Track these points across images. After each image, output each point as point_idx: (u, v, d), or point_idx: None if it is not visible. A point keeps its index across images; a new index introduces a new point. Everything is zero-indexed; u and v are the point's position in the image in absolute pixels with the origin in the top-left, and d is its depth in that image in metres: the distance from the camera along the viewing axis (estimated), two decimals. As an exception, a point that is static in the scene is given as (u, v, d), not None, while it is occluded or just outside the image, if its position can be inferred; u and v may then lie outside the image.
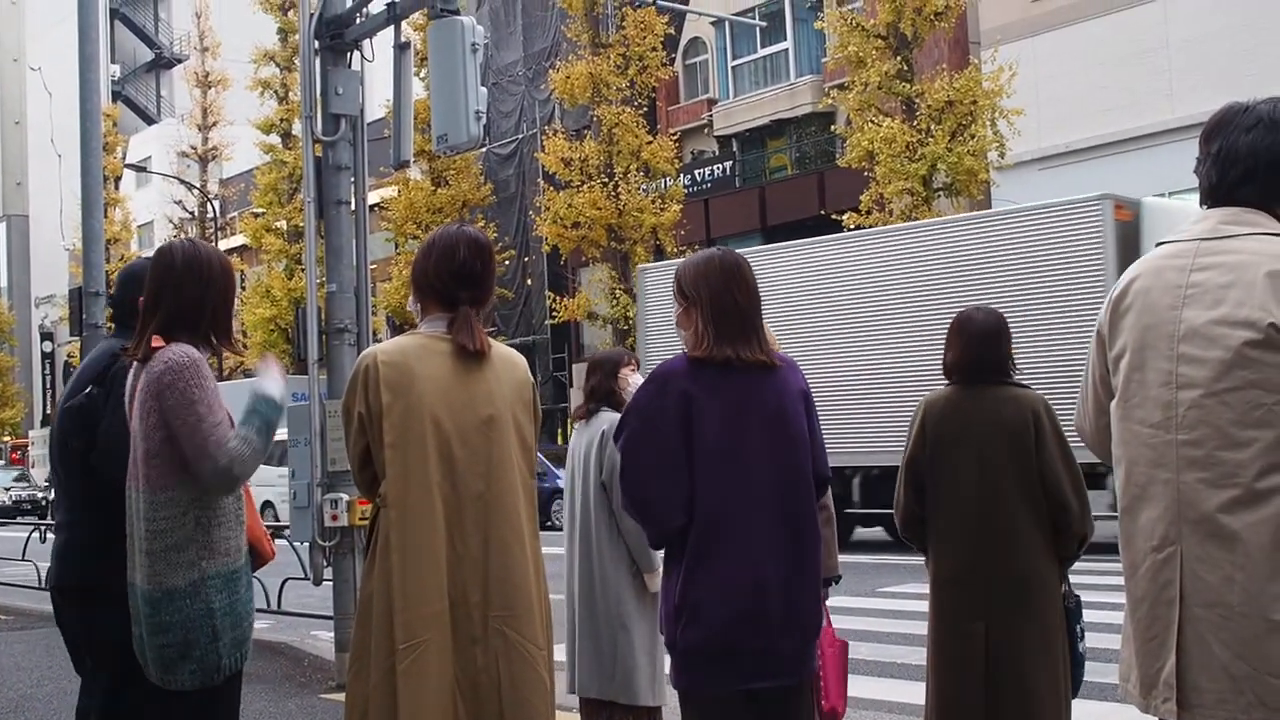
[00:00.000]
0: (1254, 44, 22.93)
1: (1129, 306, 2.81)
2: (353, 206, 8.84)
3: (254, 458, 3.54)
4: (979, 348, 4.61)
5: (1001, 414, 4.51)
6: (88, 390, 4.03)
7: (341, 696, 7.73)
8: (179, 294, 3.68)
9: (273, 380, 3.71)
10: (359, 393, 3.53)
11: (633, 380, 5.62)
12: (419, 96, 23.72)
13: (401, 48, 8.58)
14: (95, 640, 4.02)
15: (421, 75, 19.91)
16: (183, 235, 42.36)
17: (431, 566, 3.46)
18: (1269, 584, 2.55)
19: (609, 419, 5.47)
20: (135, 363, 3.69)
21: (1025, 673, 4.41)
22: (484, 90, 8.01)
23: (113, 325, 4.35)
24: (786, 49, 31.76)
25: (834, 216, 24.62)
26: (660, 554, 5.32)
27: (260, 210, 36.75)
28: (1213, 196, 2.81)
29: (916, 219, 23.22)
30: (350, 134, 8.77)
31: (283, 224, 35.77)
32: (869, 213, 23.55)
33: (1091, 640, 4.73)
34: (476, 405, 3.55)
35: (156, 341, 3.61)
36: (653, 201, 27.93)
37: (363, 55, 8.79)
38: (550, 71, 30.34)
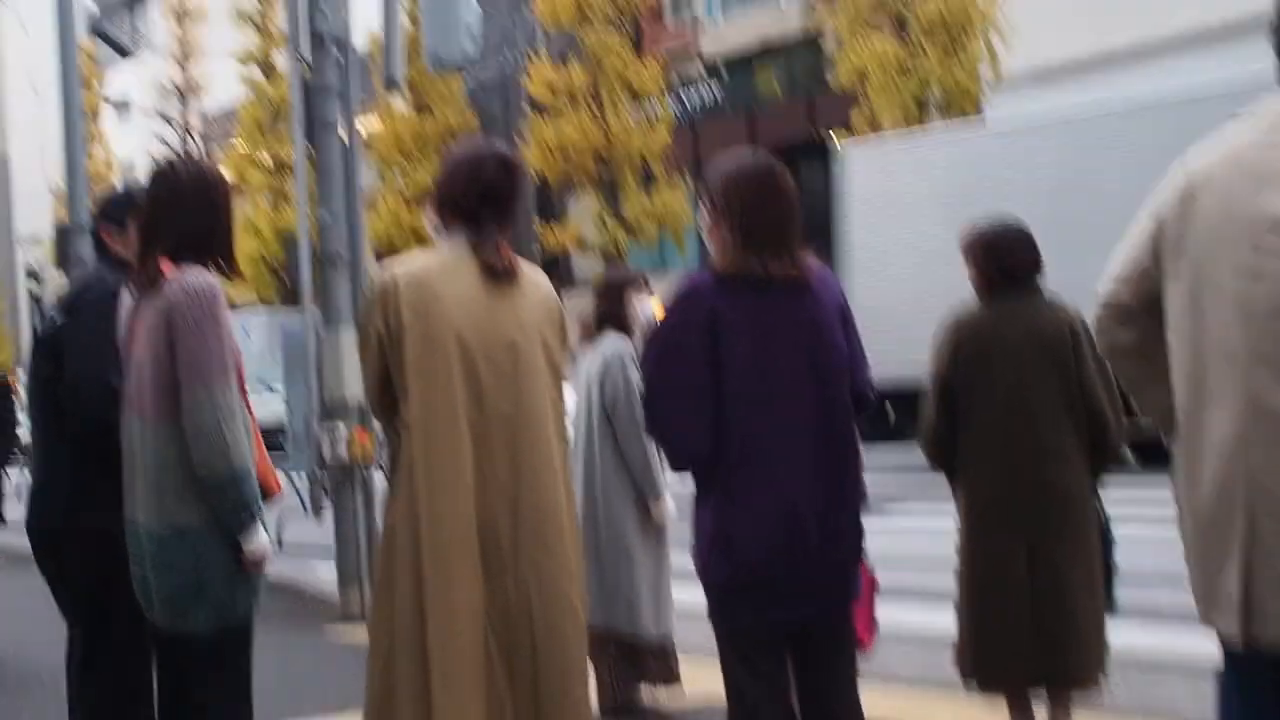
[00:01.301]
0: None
1: (1201, 190, 2.56)
2: (341, 130, 8.59)
3: (217, 436, 3.25)
4: (1008, 258, 4.44)
5: (1038, 327, 4.36)
6: (58, 322, 3.84)
7: (347, 628, 7.66)
8: (186, 216, 3.46)
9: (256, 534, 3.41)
10: (378, 312, 3.34)
11: (640, 304, 5.46)
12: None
13: (389, -36, 8.29)
14: (71, 585, 3.84)
15: None
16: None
17: (458, 492, 3.28)
18: None
19: (614, 343, 5.32)
20: (136, 287, 3.47)
21: (1068, 589, 4.29)
22: (476, 5, 7.75)
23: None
24: (774, -32, 31.21)
25: (825, 138, 24.30)
26: (664, 480, 5.25)
27: (242, 144, 36.30)
28: None
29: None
30: (338, 56, 8.52)
31: (266, 157, 35.34)
32: (862, 134, 23.25)
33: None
34: (503, 326, 3.38)
35: (166, 267, 3.39)
36: (640, 127, 27.55)
37: (348, -27, 8.51)
38: (534, -4, 29.85)
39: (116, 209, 4.05)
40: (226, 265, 3.54)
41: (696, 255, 31.37)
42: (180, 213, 3.45)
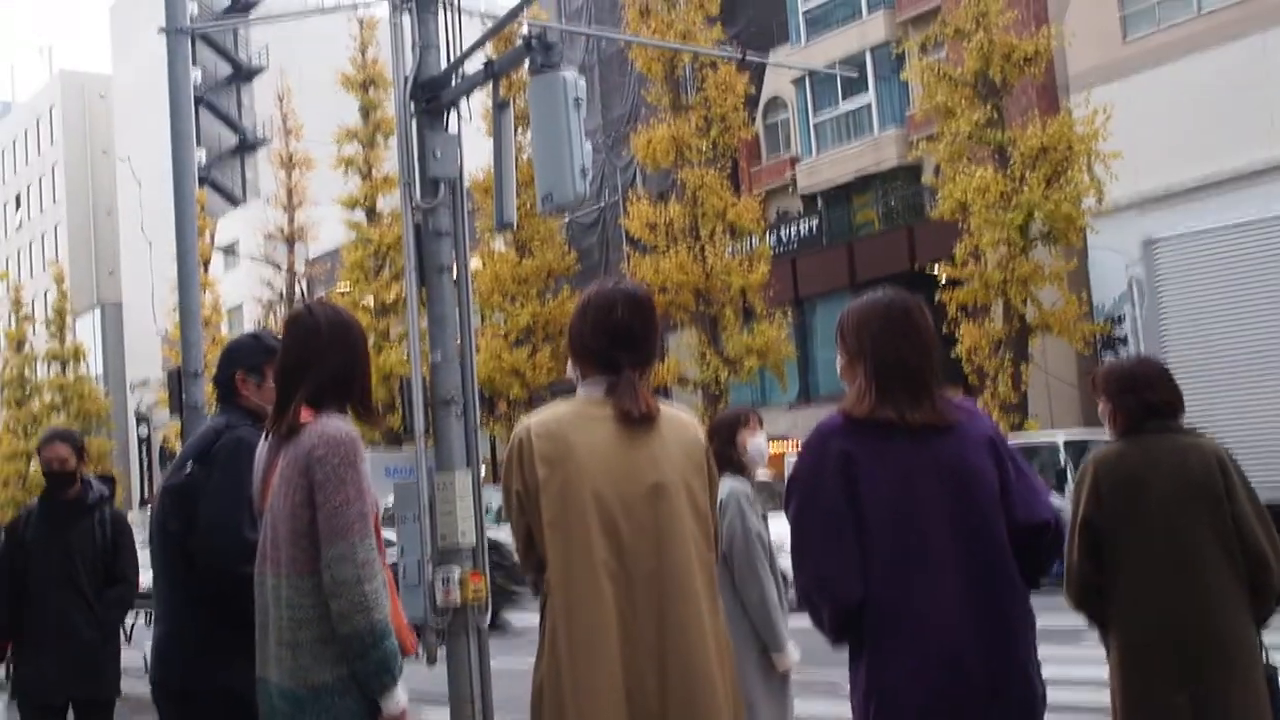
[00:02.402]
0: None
1: None
2: (454, 274, 8.60)
3: (359, 592, 3.12)
4: (1149, 394, 4.24)
5: (1186, 464, 4.12)
6: (187, 469, 3.75)
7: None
8: (325, 361, 3.37)
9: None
10: (514, 469, 3.22)
11: (752, 443, 5.31)
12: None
13: (500, 107, 8.34)
14: None
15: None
16: (273, 316, 42.80)
17: (603, 655, 3.10)
18: None
19: (729, 484, 5.16)
20: (274, 437, 3.37)
21: None
22: (589, 146, 7.75)
23: (215, 403, 4.08)
24: (869, 103, 31.42)
25: (928, 270, 24.16)
26: (786, 627, 5.04)
27: (346, 288, 36.98)
28: None
29: (1014, 270, 22.76)
30: (449, 198, 8.56)
31: (369, 300, 35.95)
32: (964, 264, 23.09)
33: None
34: (641, 474, 3.20)
35: (305, 414, 3.30)
36: (740, 263, 27.62)
37: (459, 116, 8.58)
38: (631, 136, 30.28)
39: (255, 357, 4.00)
40: (365, 410, 3.44)
41: (797, 390, 31.23)
42: (320, 358, 3.37)
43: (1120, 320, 26.04)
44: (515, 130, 9.22)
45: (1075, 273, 24.58)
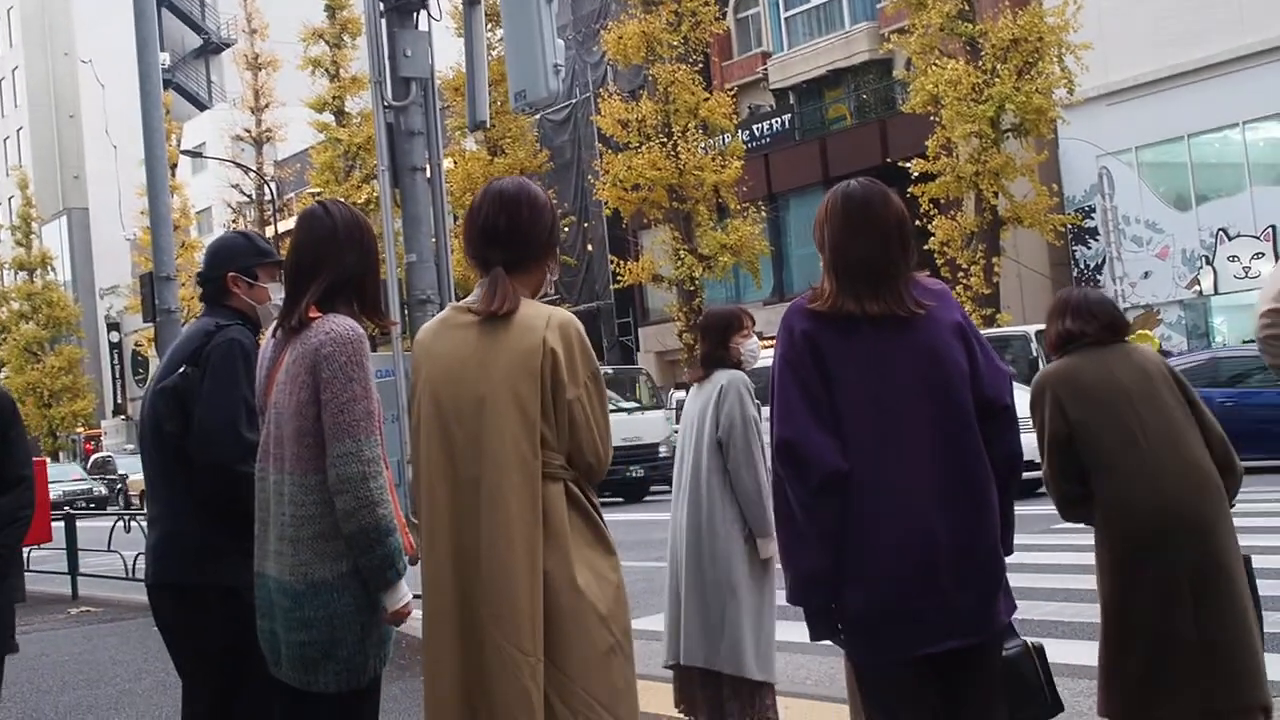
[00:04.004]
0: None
1: None
2: (428, 172, 8.58)
3: (365, 490, 3.15)
4: (1104, 313, 4.38)
5: (1137, 362, 4.29)
6: (182, 370, 3.77)
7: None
8: (340, 260, 3.35)
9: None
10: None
11: (745, 347, 5.34)
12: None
13: (471, 3, 8.28)
14: (202, 642, 3.76)
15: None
16: (242, 219, 42.47)
17: (441, 559, 3.21)
18: None
19: (726, 375, 5.21)
20: (280, 334, 3.38)
21: (1240, 614, 4.14)
22: (561, 43, 7.71)
23: (201, 304, 4.08)
24: (840, -4, 31.18)
25: (900, 164, 24.14)
26: (771, 517, 5.10)
27: (318, 190, 36.71)
28: None
29: (985, 162, 22.79)
30: (421, 98, 8.52)
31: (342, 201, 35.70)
32: (936, 158, 23.08)
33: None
34: (473, 382, 3.22)
35: (314, 312, 3.30)
36: (713, 159, 27.54)
37: (429, 14, 8.50)
38: (602, 33, 29.98)
39: (248, 258, 3.98)
40: (375, 312, 3.44)
41: (771, 286, 31.30)
42: (335, 256, 3.36)
43: (1091, 211, 26.16)
44: (485, 28, 9.12)
45: (1046, 165, 24.63)
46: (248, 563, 3.40)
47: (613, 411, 8.98)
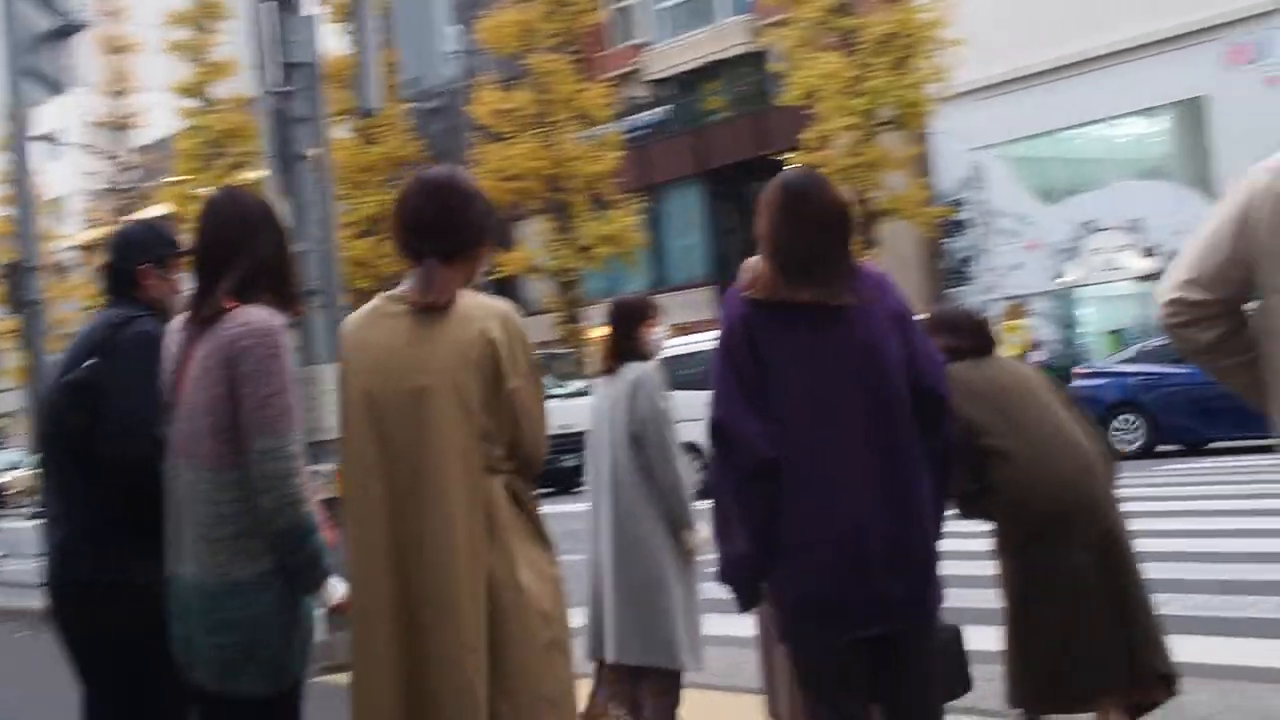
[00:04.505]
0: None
1: None
2: (314, 161, 8.33)
3: (289, 486, 3.04)
4: (974, 328, 4.64)
5: (1017, 369, 4.63)
6: (90, 363, 3.59)
7: (333, 678, 7.38)
8: (256, 248, 3.23)
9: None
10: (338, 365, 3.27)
11: (654, 336, 5.30)
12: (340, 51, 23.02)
13: (362, -13, 8.05)
14: (109, 643, 3.58)
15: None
16: (101, 207, 41.32)
17: (375, 554, 3.11)
18: None
19: (637, 369, 5.17)
20: (190, 326, 3.23)
21: (1142, 591, 4.37)
22: (453, 29, 7.53)
23: (107, 295, 3.89)
24: (715, -11, 31.30)
25: (777, 156, 24.28)
26: (694, 507, 5.08)
27: (182, 177, 35.82)
28: None
29: (862, 155, 23.04)
30: (306, 84, 8.26)
31: (206, 190, 34.89)
32: (815, 150, 23.27)
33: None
34: (410, 374, 3.14)
35: (229, 302, 3.16)
36: (590, 150, 27.46)
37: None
38: (476, 21, 29.67)
39: (160, 248, 3.83)
40: (291, 301, 3.31)
41: (649, 277, 31.32)
42: (250, 244, 3.23)
43: (962, 204, 26.60)
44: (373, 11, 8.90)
45: (920, 158, 25.00)
46: (159, 561, 3.25)
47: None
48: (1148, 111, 24.64)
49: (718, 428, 3.29)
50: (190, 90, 35.08)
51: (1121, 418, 16.33)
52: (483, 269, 3.35)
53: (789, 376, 3.25)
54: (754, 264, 3.44)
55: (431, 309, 3.15)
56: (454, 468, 3.10)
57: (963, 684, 4.12)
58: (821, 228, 3.32)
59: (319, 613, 3.26)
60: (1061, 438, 4.38)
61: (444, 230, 3.21)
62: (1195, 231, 2.69)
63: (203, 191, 34.21)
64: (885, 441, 3.25)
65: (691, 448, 6.95)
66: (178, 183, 36.17)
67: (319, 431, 7.95)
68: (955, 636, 3.95)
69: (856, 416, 3.24)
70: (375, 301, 3.30)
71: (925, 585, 3.32)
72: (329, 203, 8.38)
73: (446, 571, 3.08)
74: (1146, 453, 15.65)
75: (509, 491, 3.19)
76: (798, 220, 3.31)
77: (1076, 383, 17.19)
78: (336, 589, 3.17)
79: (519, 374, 3.17)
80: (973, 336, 4.57)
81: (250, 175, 31.24)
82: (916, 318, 3.47)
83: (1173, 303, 2.69)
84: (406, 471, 3.12)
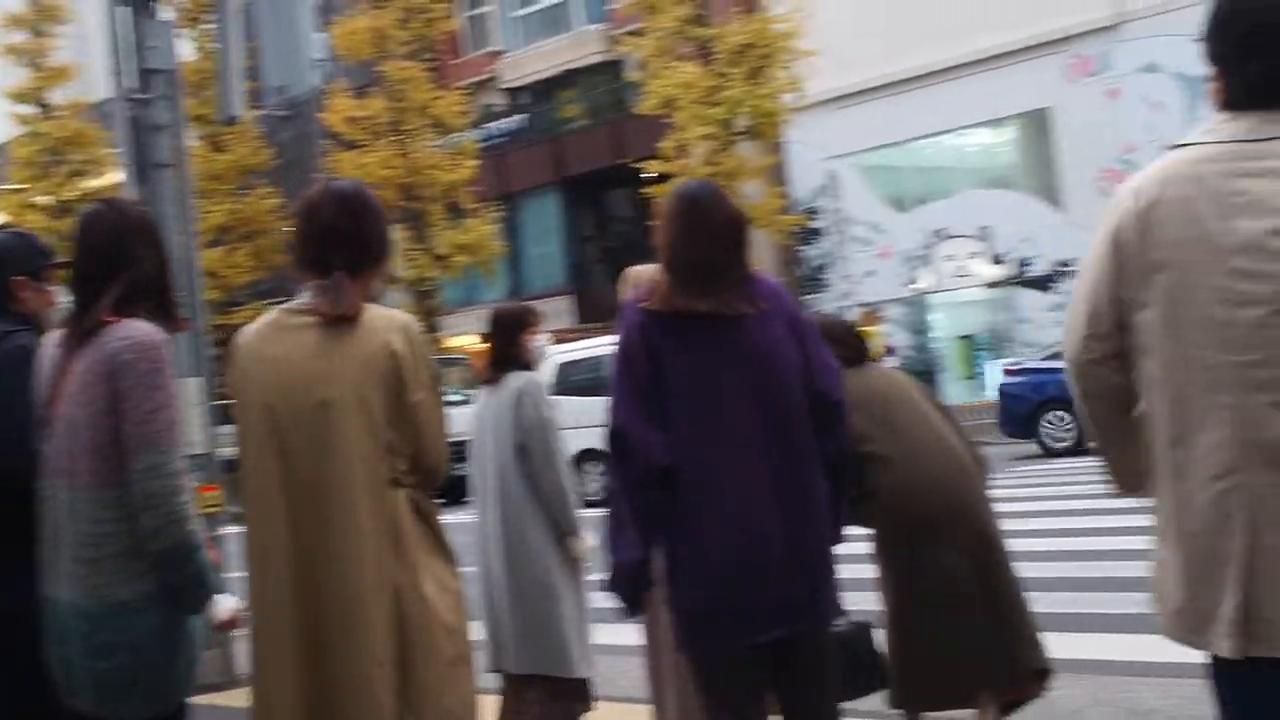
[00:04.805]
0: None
1: (1165, 215, 2.47)
2: (174, 170, 8.09)
3: (173, 504, 2.94)
4: (849, 338, 4.75)
5: (892, 376, 4.80)
6: None
7: (215, 698, 7.19)
8: (137, 261, 3.13)
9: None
10: (229, 376, 3.21)
11: (535, 344, 5.29)
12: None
13: (225, -8, 7.85)
14: None
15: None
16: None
17: (278, 571, 3.06)
18: None
19: (522, 378, 5.15)
20: (68, 340, 3.12)
21: (1016, 590, 4.48)
22: (320, 37, 7.37)
23: None
24: (570, -3, 31.33)
25: (635, 165, 24.39)
26: (580, 514, 5.07)
27: (21, 185, 34.62)
28: (1245, 100, 2.49)
29: (719, 164, 23.24)
30: (165, 91, 8.03)
31: (46, 199, 33.74)
32: (672, 159, 23.41)
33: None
34: (313, 387, 3.09)
35: (109, 316, 3.06)
36: (446, 158, 27.26)
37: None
38: (329, 27, 29.25)
39: (34, 260, 3.67)
40: (171, 315, 3.20)
41: (507, 286, 31.19)
42: (130, 257, 3.13)
43: (817, 213, 27.00)
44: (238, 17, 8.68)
45: (776, 167, 25.32)
46: (33, 584, 3.12)
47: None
48: (995, 122, 25.35)
49: (615, 436, 3.31)
50: (26, 96, 33.93)
51: (1053, 414, 16.79)
52: (378, 284, 3.30)
53: (686, 385, 3.27)
54: (638, 273, 3.46)
55: (342, 320, 3.10)
56: (359, 481, 3.06)
57: (877, 680, 4.22)
58: (717, 238, 3.35)
59: (204, 632, 3.18)
60: (936, 443, 4.49)
61: (355, 243, 3.18)
62: (1079, 272, 2.69)
63: (41, 200, 33.22)
64: (782, 447, 3.29)
65: (592, 454, 6.93)
66: (15, 191, 34.96)
67: (185, 446, 7.73)
68: (864, 634, 4.03)
69: (754, 423, 3.28)
70: (273, 314, 3.24)
71: (823, 587, 3.37)
72: (189, 212, 8.15)
73: (353, 587, 3.04)
74: (1077, 449, 15.92)
75: (412, 504, 3.15)
76: (694, 231, 3.34)
77: (1006, 380, 17.60)
78: (222, 606, 3.09)
79: (421, 386, 3.15)
80: (852, 346, 4.65)
81: (92, 184, 30.38)
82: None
83: (1073, 364, 2.68)
84: (309, 486, 3.07)
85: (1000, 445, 16.93)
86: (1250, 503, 2.38)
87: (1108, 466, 2.78)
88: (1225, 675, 2.51)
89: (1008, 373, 17.88)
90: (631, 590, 3.42)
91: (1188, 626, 2.51)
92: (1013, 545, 4.58)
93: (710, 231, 3.35)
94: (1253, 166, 2.42)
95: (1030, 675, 4.47)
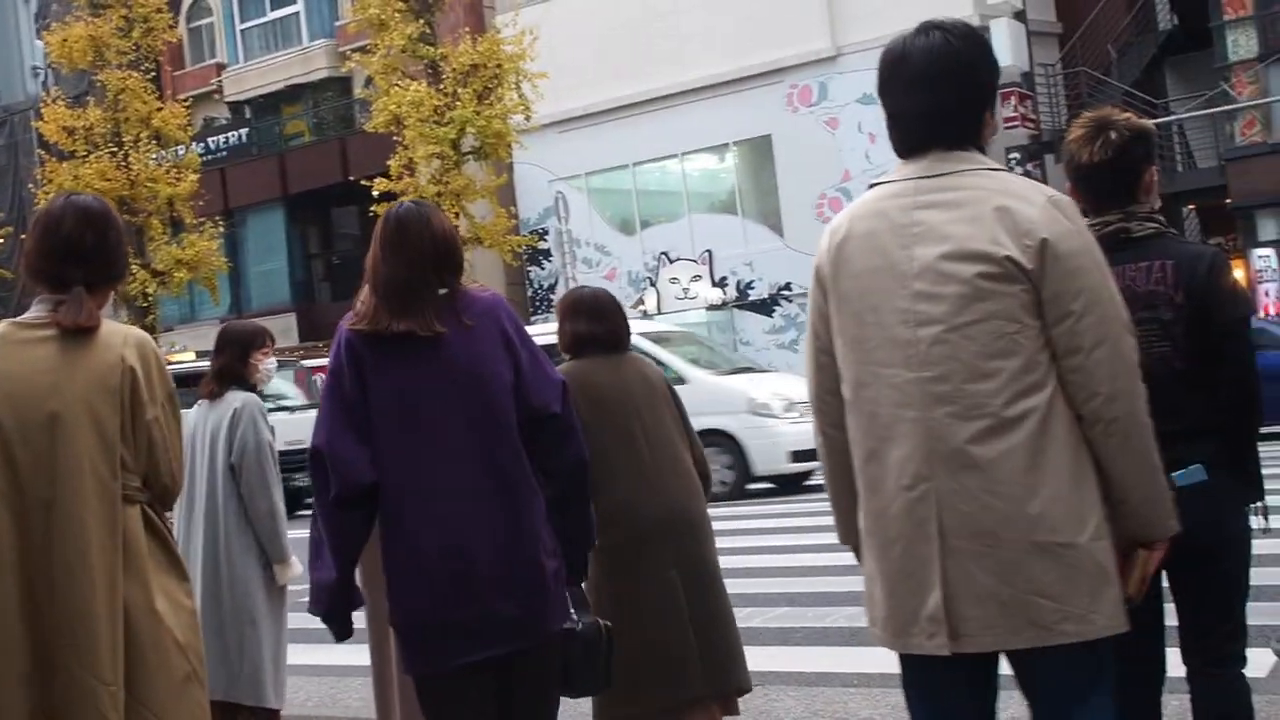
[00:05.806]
0: (762, 6, 24.39)
1: (854, 248, 2.77)
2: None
3: None
4: (614, 314, 4.60)
5: (644, 372, 4.58)
6: None
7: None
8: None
9: None
10: None
11: (264, 365, 5.29)
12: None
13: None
14: None
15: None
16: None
17: (6, 589, 3.01)
18: (1025, 507, 2.59)
19: (240, 397, 5.13)
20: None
21: (724, 603, 4.51)
22: (40, 44, 7.27)
23: None
24: (298, 11, 30.92)
25: (362, 182, 24.26)
26: (287, 542, 5.06)
27: None
28: (911, 151, 2.81)
29: (447, 184, 23.36)
30: None
31: None
32: (399, 177, 23.40)
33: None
34: (42, 401, 3.06)
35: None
36: (167, 171, 26.47)
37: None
38: (44, 34, 28.07)
39: None
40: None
41: (229, 303, 30.47)
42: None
43: (545, 234, 27.36)
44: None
45: (504, 187, 25.54)
46: None
47: (274, 411, 8.30)
48: (719, 148, 26.18)
49: (315, 455, 3.29)
50: None
51: None
52: (108, 301, 3.32)
53: (391, 405, 3.28)
54: (366, 294, 3.49)
55: (84, 331, 3.09)
56: (90, 497, 3.03)
57: (603, 677, 4.07)
58: (417, 259, 3.36)
59: None
60: (670, 457, 4.45)
61: (97, 260, 3.18)
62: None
63: None
64: (492, 463, 3.29)
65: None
66: None
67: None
68: (596, 635, 3.78)
69: (461, 441, 3.28)
70: (7, 326, 3.18)
71: (541, 606, 3.34)
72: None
73: (83, 604, 2.99)
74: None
75: (145, 521, 3.13)
76: (397, 253, 3.36)
77: None
78: None
79: (156, 403, 3.14)
80: (613, 322, 4.54)
81: None
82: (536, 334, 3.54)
83: (815, 424, 2.92)
84: (37, 501, 3.02)
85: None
86: (939, 509, 2.63)
87: (835, 519, 2.99)
88: (917, 676, 2.76)
89: None
90: (329, 609, 3.35)
91: (894, 631, 2.72)
92: (730, 563, 4.56)
93: (412, 253, 3.36)
94: (926, 199, 2.72)
95: (734, 692, 4.49)
